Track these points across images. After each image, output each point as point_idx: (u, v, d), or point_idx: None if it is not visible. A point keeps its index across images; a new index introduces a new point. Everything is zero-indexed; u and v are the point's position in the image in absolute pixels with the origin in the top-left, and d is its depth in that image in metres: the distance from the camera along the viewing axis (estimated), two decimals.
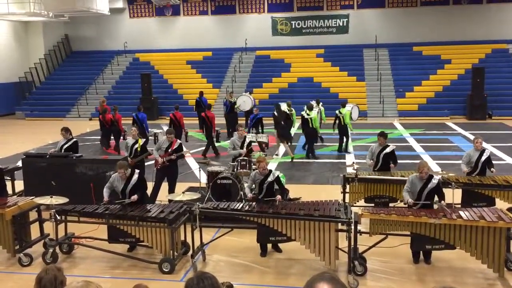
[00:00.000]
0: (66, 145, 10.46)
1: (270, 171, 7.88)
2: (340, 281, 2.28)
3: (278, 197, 7.70)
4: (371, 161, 9.54)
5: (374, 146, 9.64)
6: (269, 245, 7.82)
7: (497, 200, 8.68)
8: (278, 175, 7.96)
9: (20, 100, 27.93)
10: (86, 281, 2.70)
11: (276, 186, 7.91)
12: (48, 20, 26.74)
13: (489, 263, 6.59)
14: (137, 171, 8.02)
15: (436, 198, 7.20)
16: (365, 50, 27.81)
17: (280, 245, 7.78)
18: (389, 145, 9.54)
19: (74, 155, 10.22)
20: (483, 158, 8.95)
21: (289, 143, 15.36)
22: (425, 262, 7.28)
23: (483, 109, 22.27)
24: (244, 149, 10.01)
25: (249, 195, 7.93)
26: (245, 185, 8.25)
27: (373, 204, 8.96)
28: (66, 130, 10.59)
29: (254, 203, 7.52)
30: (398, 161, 13.39)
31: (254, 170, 9.68)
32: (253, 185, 7.95)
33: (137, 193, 7.75)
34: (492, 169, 8.94)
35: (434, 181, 7.23)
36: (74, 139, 10.68)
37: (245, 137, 10.24)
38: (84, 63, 30.27)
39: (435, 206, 7.30)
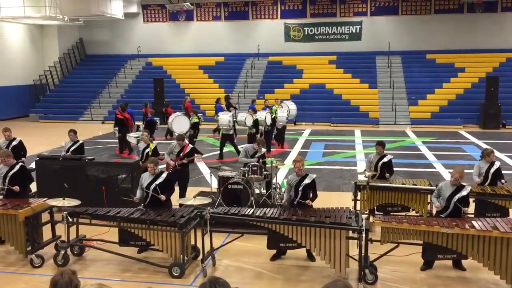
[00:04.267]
0: (73, 147, 10.64)
1: (307, 174, 7.80)
2: None
3: (308, 201, 7.68)
4: (370, 170, 9.45)
5: (372, 156, 9.59)
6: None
7: (511, 211, 8.56)
8: (314, 179, 7.82)
9: (34, 102, 28.25)
10: (100, 284, 2.71)
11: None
12: (63, 23, 27.05)
13: (502, 274, 6.50)
14: (166, 172, 8.14)
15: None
16: (378, 57, 27.75)
17: (290, 251, 7.74)
18: (387, 155, 9.49)
19: (87, 158, 10.30)
20: (493, 169, 8.85)
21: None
22: (459, 268, 7.27)
23: (496, 118, 22.07)
24: (255, 159, 9.99)
25: (284, 201, 7.93)
26: (284, 190, 8.16)
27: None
28: (74, 132, 10.75)
29: (267, 209, 7.48)
30: (410, 169, 13.40)
31: (265, 176, 9.70)
32: (292, 190, 7.81)
33: (164, 193, 7.84)
34: (502, 180, 8.82)
35: (465, 191, 7.20)
36: (81, 141, 10.86)
37: (256, 151, 10.20)
38: (98, 66, 30.56)
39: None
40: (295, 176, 7.77)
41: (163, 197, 7.76)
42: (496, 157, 9.20)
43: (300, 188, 7.66)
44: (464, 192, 7.20)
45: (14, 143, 10.62)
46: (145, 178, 8.00)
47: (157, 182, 7.86)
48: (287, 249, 7.61)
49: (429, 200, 8.64)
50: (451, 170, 13.14)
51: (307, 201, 7.65)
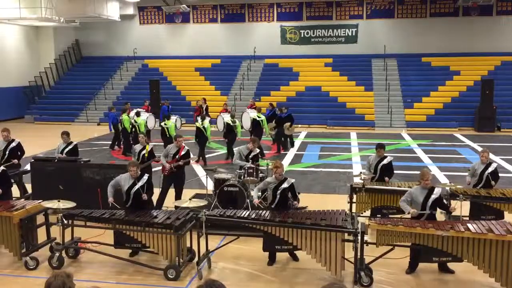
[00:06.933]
0: (67, 149, 10.59)
1: (285, 178, 7.73)
2: None
3: (295, 203, 7.64)
4: (369, 172, 9.47)
5: (372, 158, 9.59)
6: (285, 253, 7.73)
7: (506, 213, 8.60)
8: (292, 183, 7.76)
9: (29, 104, 28.15)
10: (95, 287, 2.70)
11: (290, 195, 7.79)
12: (59, 25, 26.99)
13: (497, 276, 6.52)
14: (146, 174, 8.04)
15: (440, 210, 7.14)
16: (373, 60, 27.82)
17: (286, 254, 7.72)
18: (387, 156, 9.50)
19: (82, 160, 10.27)
20: (488, 171, 8.87)
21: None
22: (445, 271, 7.24)
23: (491, 121, 22.14)
24: (250, 162, 9.96)
25: (256, 200, 7.86)
26: (256, 188, 8.12)
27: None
28: (67, 134, 10.69)
29: (263, 211, 7.47)
30: (406, 172, 13.42)
31: (261, 178, 9.71)
32: (266, 191, 7.77)
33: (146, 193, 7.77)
34: (493, 182, 8.84)
35: (437, 192, 7.18)
36: (74, 143, 10.81)
37: (251, 151, 10.18)
38: (94, 68, 30.50)
39: (443, 218, 7.24)
40: (274, 180, 7.70)
41: (145, 196, 7.69)
42: (490, 159, 9.21)
43: (278, 192, 7.59)
44: (437, 194, 7.15)
45: (13, 144, 10.58)
46: (125, 180, 7.84)
47: (138, 185, 7.75)
48: (283, 251, 7.59)
49: None
50: (447, 173, 13.26)
51: (294, 203, 7.63)
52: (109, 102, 27.04)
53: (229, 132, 15.55)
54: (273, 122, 17.36)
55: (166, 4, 27.74)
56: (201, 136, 15.20)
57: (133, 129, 16.27)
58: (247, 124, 17.17)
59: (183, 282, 7.02)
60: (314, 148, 18.17)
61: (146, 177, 7.89)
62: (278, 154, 16.60)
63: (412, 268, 7.28)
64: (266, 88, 26.60)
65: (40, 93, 29.07)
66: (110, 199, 7.91)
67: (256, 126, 16.43)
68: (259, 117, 16.43)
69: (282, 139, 17.25)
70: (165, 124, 15.67)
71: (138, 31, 30.92)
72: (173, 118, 17.71)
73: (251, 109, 18.64)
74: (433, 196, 7.13)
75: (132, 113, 17.07)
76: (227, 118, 16.10)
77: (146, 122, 17.14)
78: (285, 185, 7.63)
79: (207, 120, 15.82)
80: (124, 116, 16.67)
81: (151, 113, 19.50)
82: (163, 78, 27.85)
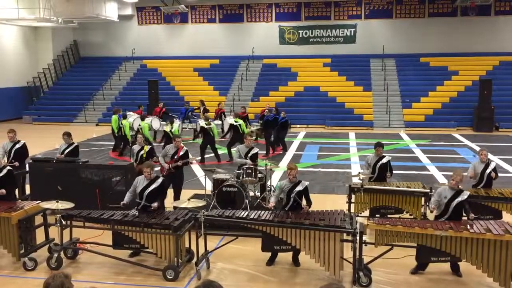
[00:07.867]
0: (68, 150, 10.59)
1: (300, 181, 7.69)
2: None
3: (306, 206, 7.57)
4: (368, 171, 9.48)
5: (370, 157, 9.60)
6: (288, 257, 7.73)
7: (504, 213, 8.62)
8: (307, 186, 7.72)
9: (28, 104, 28.12)
10: None
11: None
12: (57, 25, 26.97)
13: (495, 276, 6.53)
14: (161, 177, 8.07)
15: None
16: (372, 60, 27.84)
17: (285, 254, 7.71)
18: (385, 156, 9.51)
19: (81, 160, 10.26)
20: (488, 170, 8.89)
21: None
22: (456, 274, 7.21)
23: (490, 121, 22.18)
24: (249, 159, 9.96)
25: (271, 204, 7.85)
26: (273, 194, 8.08)
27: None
28: (68, 135, 10.70)
29: (262, 212, 7.46)
30: (404, 172, 13.44)
31: (260, 178, 9.71)
32: (281, 195, 7.78)
33: (157, 199, 7.78)
34: (493, 173, 8.88)
35: (463, 195, 7.14)
36: (75, 144, 10.81)
37: (252, 147, 10.20)
38: (92, 68, 30.47)
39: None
40: (288, 182, 7.69)
41: (155, 205, 7.71)
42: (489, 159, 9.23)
43: (292, 195, 7.57)
44: (463, 197, 7.13)
45: (17, 146, 10.57)
46: (140, 182, 7.90)
47: (152, 187, 7.78)
48: (282, 252, 7.57)
49: (423, 203, 8.68)
50: (445, 173, 13.26)
51: (304, 206, 7.60)
52: (108, 102, 27.05)
53: (205, 136, 15.52)
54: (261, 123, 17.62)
55: (165, 5, 27.73)
56: (168, 139, 14.71)
57: (119, 132, 16.34)
58: (226, 130, 17.65)
59: (181, 283, 7.01)
60: (313, 148, 18.17)
61: (160, 180, 7.92)
62: (276, 155, 16.58)
63: (419, 268, 7.26)
64: (264, 88, 26.59)
65: (38, 93, 29.03)
66: (122, 203, 7.93)
67: (235, 131, 16.49)
68: (236, 121, 16.45)
69: (272, 139, 17.13)
70: (139, 125, 15.81)
71: (137, 32, 30.90)
72: (148, 119, 17.76)
73: (231, 114, 18.85)
74: (458, 199, 7.11)
75: (135, 117, 17.14)
76: (202, 122, 16.12)
77: (132, 124, 17.13)
78: (299, 187, 7.59)
79: (176, 124, 15.87)
80: (114, 117, 16.66)
81: (138, 115, 19.40)
82: (161, 78, 27.83)
